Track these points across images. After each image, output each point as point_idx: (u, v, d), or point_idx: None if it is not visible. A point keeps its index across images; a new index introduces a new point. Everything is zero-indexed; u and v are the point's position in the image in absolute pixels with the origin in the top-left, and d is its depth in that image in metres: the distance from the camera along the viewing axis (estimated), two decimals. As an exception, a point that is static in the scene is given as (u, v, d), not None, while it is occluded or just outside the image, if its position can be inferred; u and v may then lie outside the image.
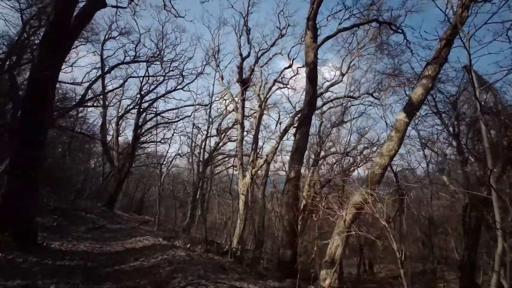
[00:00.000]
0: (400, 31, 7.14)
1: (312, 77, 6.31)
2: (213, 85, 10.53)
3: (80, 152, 22.35)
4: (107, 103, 19.70)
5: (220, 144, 25.04)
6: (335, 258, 4.34)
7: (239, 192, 12.58)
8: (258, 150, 13.17)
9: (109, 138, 23.20)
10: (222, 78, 14.03)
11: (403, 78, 10.69)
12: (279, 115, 14.40)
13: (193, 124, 13.20)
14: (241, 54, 13.38)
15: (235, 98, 14.08)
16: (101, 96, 16.37)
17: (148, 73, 16.85)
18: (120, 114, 21.22)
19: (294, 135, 6.20)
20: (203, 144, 18.29)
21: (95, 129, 21.63)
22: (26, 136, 5.10)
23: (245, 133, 14.88)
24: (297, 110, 12.92)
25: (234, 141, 24.55)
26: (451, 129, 10.13)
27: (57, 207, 11.32)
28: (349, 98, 14.82)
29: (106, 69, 15.44)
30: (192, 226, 21.25)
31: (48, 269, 4.12)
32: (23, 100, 5.30)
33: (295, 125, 13.12)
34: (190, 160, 31.15)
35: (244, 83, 13.07)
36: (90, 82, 13.73)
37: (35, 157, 5.29)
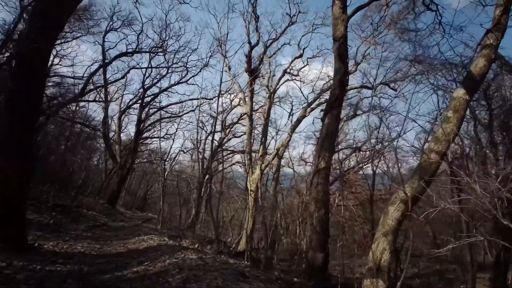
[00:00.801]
0: (433, 7, 6.35)
1: (342, 52, 5.55)
2: (222, 74, 9.83)
3: (82, 148, 21.75)
4: (108, 97, 19.10)
5: (225, 140, 24.31)
6: (381, 264, 3.63)
7: (248, 188, 11.89)
8: (267, 145, 12.45)
9: (111, 135, 22.70)
10: (230, 68, 13.28)
11: (427, 65, 9.90)
12: (292, 106, 13.19)
13: (198, 118, 12.50)
14: (249, 42, 12.62)
15: (243, 90, 13.33)
16: (102, 90, 15.73)
17: (151, 65, 16.15)
18: (122, 109, 20.59)
19: (322, 119, 5.45)
20: (211, 138, 17.55)
21: (97, 125, 21.07)
22: (12, 129, 4.44)
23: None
24: (309, 101, 12.18)
25: (239, 136, 23.90)
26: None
27: (57, 204, 10.70)
28: (359, 92, 14.02)
29: (108, 61, 14.76)
30: (197, 223, 20.72)
31: (36, 276, 3.44)
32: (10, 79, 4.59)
33: (312, 111, 12.39)
34: (194, 156, 30.67)
35: (253, 73, 12.32)
36: (91, 73, 13.07)
37: (25, 153, 4.62)
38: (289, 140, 11.71)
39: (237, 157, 26.89)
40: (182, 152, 26.90)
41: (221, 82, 8.93)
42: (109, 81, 15.33)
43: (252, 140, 12.34)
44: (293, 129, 11.68)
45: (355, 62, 13.10)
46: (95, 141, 26.00)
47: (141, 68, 16.24)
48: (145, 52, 15.27)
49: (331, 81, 14.03)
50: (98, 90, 18.96)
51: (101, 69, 14.59)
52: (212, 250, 7.06)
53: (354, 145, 13.60)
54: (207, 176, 21.61)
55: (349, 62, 13.58)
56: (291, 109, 12.29)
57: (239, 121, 22.63)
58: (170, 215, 23.97)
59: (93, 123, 20.59)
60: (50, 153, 15.02)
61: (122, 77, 15.23)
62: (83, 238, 6.84)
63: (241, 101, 13.81)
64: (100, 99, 17.89)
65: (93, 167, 29.68)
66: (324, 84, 12.87)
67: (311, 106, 11.94)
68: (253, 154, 15.04)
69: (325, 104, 13.47)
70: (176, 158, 27.93)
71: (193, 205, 20.74)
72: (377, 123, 13.17)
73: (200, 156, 24.04)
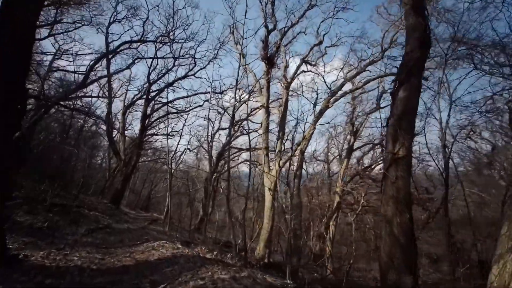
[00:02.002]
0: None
1: (418, 5, 4.40)
2: (240, 59, 8.82)
3: (85, 145, 20.78)
4: (112, 93, 18.09)
5: (233, 137, 23.19)
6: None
7: (265, 187, 10.78)
8: (284, 140, 11.30)
9: (114, 133, 21.72)
10: (244, 57, 12.14)
11: (470, 46, 8.70)
12: (317, 95, 11.81)
13: (208, 113, 11.47)
14: (266, 26, 11.47)
15: (258, 79, 12.20)
16: (106, 85, 14.58)
17: (157, 56, 15.06)
18: (126, 104, 19.59)
19: (394, 93, 4.22)
20: (224, 133, 16.45)
21: (100, 116, 20.08)
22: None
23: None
24: (332, 90, 10.98)
25: (247, 134, 22.78)
26: None
27: (55, 203, 9.66)
28: (381, 82, 12.80)
29: (111, 50, 13.70)
30: (203, 224, 19.64)
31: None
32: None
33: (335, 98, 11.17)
34: (200, 155, 29.59)
35: (270, 60, 11.18)
36: (94, 61, 12.01)
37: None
38: (312, 132, 10.55)
39: (243, 156, 25.85)
40: (188, 151, 26.06)
41: (239, 67, 7.78)
42: (113, 71, 14.27)
43: (268, 135, 11.20)
44: (316, 120, 10.52)
45: (382, 49, 11.91)
46: (98, 139, 25.10)
47: (146, 58, 15.16)
48: (151, 41, 14.22)
49: (354, 70, 12.93)
50: (101, 86, 18.05)
51: (105, 62, 13.60)
52: (234, 260, 5.96)
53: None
54: (215, 175, 20.55)
55: (375, 50, 12.41)
56: (316, 99, 11.04)
57: (252, 114, 21.59)
58: (175, 215, 22.96)
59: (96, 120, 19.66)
60: (50, 149, 14.03)
61: (127, 67, 14.23)
62: (82, 244, 5.77)
63: (255, 92, 12.67)
64: (104, 95, 16.91)
65: (97, 165, 28.82)
66: (348, 72, 11.68)
67: (335, 97, 10.78)
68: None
69: (349, 93, 12.32)
70: (183, 156, 27.03)
71: (205, 204, 19.62)
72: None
73: (208, 154, 23.09)
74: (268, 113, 11.25)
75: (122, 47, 14.16)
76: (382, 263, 3.47)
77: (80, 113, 13.60)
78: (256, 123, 22.43)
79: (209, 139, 13.94)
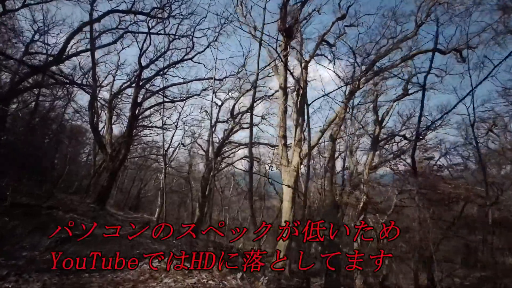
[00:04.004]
0: None
1: None
2: (263, 27, 7.46)
3: (68, 138, 18.34)
4: (98, 81, 15.73)
5: (233, 131, 21.26)
6: None
7: (283, 183, 8.94)
8: (303, 128, 9.48)
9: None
10: (255, 29, 10.24)
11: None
12: (354, 71, 9.69)
13: (212, 100, 9.58)
14: (285, -9, 9.61)
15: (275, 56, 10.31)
16: (90, 75, 12.18)
17: (150, 31, 12.91)
18: (114, 92, 17.28)
19: None
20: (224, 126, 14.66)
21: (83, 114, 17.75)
22: None
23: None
24: (365, 66, 9.13)
25: (247, 128, 20.95)
26: None
27: (18, 204, 7.55)
28: (408, 65, 11.15)
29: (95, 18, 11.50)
30: (200, 226, 17.66)
31: None
32: None
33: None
34: (192, 152, 27.47)
35: (289, 32, 9.33)
36: (73, 31, 9.82)
37: None
38: (344, 116, 8.76)
39: (240, 154, 23.93)
40: (182, 146, 23.91)
41: (261, 39, 5.80)
42: (98, 46, 12.03)
43: (286, 121, 9.34)
44: (348, 101, 8.75)
45: (416, 23, 10.26)
46: (83, 135, 22.54)
47: (138, 32, 12.98)
48: (143, 14, 12.07)
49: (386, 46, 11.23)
50: (85, 72, 15.52)
51: (88, 34, 11.37)
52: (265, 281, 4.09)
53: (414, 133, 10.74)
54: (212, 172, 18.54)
55: (401, 28, 10.72)
56: (350, 80, 9.10)
57: (248, 112, 19.67)
58: (169, 216, 20.81)
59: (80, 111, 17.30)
60: (20, 139, 11.71)
61: (114, 42, 12.02)
62: (41, 267, 3.77)
63: (272, 69, 10.76)
64: (87, 84, 14.59)
65: (82, 163, 26.26)
66: (380, 48, 9.91)
67: (367, 77, 9.04)
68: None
69: (383, 74, 10.55)
70: (176, 151, 24.86)
71: (202, 204, 17.66)
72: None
73: (205, 149, 21.07)
74: (285, 95, 9.39)
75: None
76: None
77: (59, 82, 10.98)
78: (257, 116, 20.63)
79: (212, 130, 11.94)
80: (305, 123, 9.69)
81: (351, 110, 9.50)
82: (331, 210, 7.99)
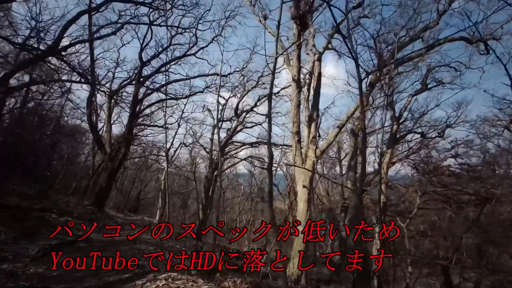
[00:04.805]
0: None
1: None
2: (280, 15, 6.81)
3: (66, 137, 17.61)
4: (96, 78, 14.90)
5: (236, 130, 20.50)
6: None
7: (297, 184, 8.19)
8: (318, 123, 8.75)
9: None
10: (265, 18, 9.55)
11: None
12: (378, 59, 8.84)
13: (218, 96, 8.93)
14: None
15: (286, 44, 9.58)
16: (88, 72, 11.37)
17: (151, 23, 12.19)
18: (114, 89, 16.53)
19: None
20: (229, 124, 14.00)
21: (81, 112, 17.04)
22: None
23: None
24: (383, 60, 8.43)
25: (251, 127, 20.25)
26: None
27: (5, 206, 6.79)
28: (423, 59, 10.41)
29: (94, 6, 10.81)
30: (203, 229, 16.90)
31: None
32: None
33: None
34: (193, 152, 26.71)
35: (303, 19, 8.61)
36: (70, 19, 9.13)
37: None
38: (365, 110, 8.04)
39: (242, 154, 23.14)
40: (183, 145, 23.13)
41: (279, 25, 5.08)
42: (97, 37, 11.33)
43: (299, 115, 8.59)
44: (369, 93, 8.02)
45: (438, 12, 9.55)
46: (82, 135, 21.80)
47: (139, 23, 12.27)
48: (145, 4, 11.39)
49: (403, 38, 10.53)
50: (84, 69, 14.60)
51: (86, 24, 10.68)
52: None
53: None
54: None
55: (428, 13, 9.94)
56: (370, 71, 8.35)
57: (253, 109, 18.94)
58: (171, 218, 20.01)
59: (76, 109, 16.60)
60: (14, 137, 10.97)
61: (114, 33, 11.30)
62: (20, 284, 3.00)
63: (283, 61, 10.02)
64: (86, 80, 13.80)
65: (81, 163, 25.47)
66: (400, 39, 9.19)
67: (389, 66, 8.31)
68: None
69: (407, 63, 9.79)
70: (178, 151, 24.10)
71: (206, 206, 16.89)
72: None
73: (208, 149, 20.30)
74: (299, 88, 8.66)
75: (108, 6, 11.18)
76: None
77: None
78: (262, 114, 19.90)
79: (217, 128, 11.20)
80: (319, 118, 8.98)
81: (372, 102, 8.76)
82: (358, 212, 7.22)
